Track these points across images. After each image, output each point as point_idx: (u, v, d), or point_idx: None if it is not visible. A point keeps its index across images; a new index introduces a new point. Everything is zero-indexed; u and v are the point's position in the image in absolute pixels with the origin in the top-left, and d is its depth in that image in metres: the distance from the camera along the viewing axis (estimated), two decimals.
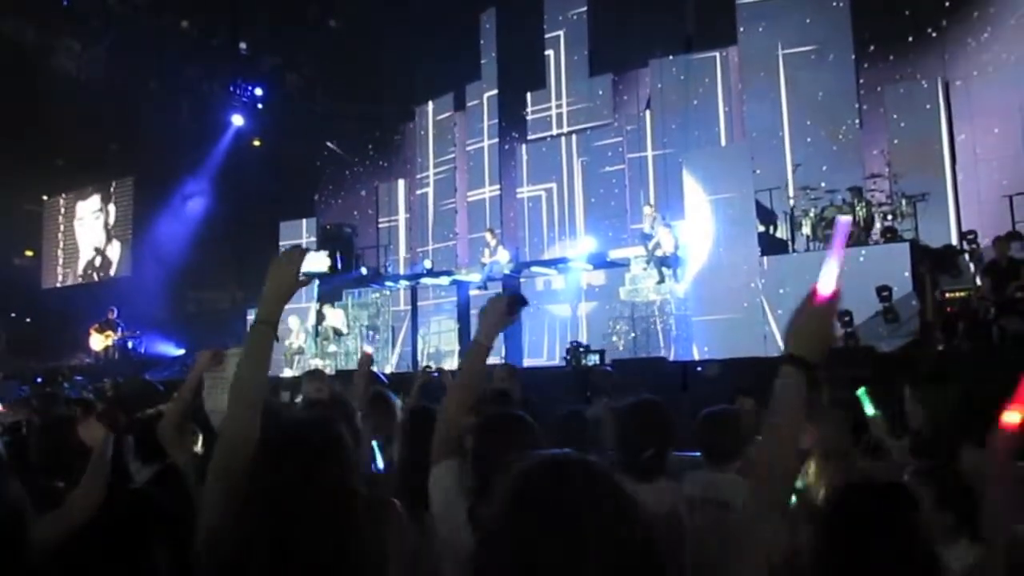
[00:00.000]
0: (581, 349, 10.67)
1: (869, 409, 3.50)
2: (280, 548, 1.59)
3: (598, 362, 9.34)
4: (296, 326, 15.08)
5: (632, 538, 1.16)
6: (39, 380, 13.97)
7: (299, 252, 2.05)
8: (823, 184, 11.65)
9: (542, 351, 14.65)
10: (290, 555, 1.59)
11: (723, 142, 14.09)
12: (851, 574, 1.86)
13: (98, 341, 18.01)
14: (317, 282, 16.37)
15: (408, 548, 2.44)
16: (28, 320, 22.36)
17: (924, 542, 1.91)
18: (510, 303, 2.35)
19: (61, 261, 24.64)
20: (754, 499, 1.45)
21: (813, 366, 1.45)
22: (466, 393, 2.29)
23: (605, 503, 1.17)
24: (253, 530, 1.60)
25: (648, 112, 15.20)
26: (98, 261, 23.66)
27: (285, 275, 2.01)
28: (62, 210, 24.73)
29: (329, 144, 20.11)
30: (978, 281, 9.31)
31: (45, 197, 24.80)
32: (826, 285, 1.54)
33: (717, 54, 14.42)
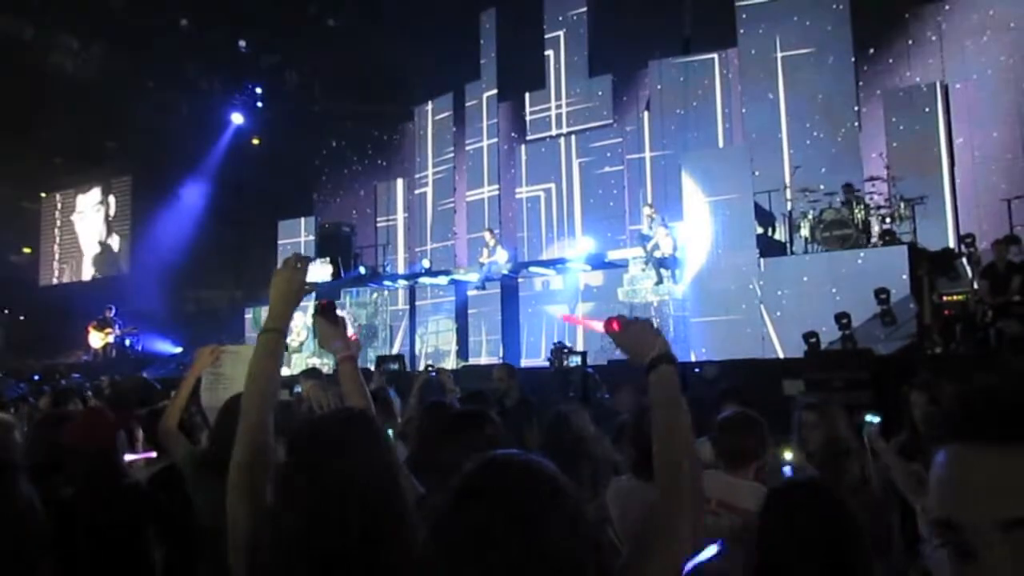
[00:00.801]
0: (564, 350, 10.73)
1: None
2: (325, 554, 1.53)
3: (580, 363, 9.40)
4: (299, 322, 15.05)
5: (571, 540, 1.16)
6: (36, 377, 13.95)
7: (304, 258, 2.06)
8: (822, 186, 11.65)
9: (540, 351, 14.63)
10: (337, 561, 1.53)
11: (722, 144, 14.10)
12: (778, 566, 2.02)
13: (97, 339, 17.99)
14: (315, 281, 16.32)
15: None
16: (24, 318, 22.34)
17: (838, 533, 2.02)
18: (324, 314, 2.39)
19: (58, 258, 24.62)
20: (661, 494, 1.55)
21: (670, 356, 1.73)
22: (361, 404, 2.28)
23: (546, 503, 1.17)
24: (293, 539, 1.53)
25: (647, 113, 15.21)
26: (95, 258, 23.63)
27: (292, 282, 2.02)
28: (60, 207, 24.69)
29: None
30: (975, 284, 9.32)
31: (43, 194, 24.77)
32: (598, 327, 1.90)
33: (716, 56, 14.44)
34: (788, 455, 3.57)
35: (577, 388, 6.34)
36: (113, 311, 18.20)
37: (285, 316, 2.02)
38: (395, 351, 15.94)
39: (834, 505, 2.08)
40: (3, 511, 1.74)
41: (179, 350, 18.42)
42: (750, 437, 3.17)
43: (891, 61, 13.75)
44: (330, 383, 2.86)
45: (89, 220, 23.90)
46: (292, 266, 2.03)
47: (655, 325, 1.84)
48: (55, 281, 24.39)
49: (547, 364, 11.19)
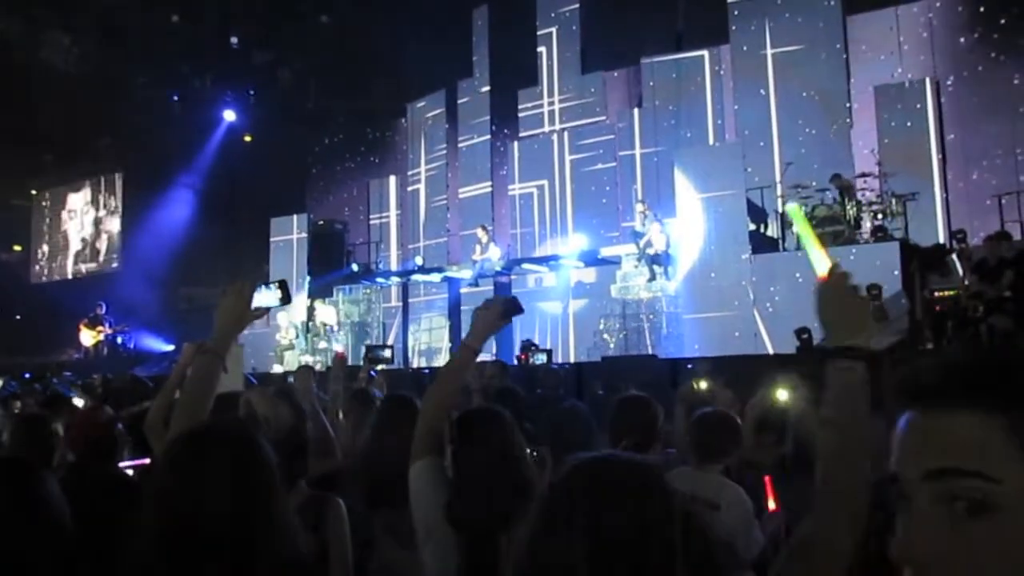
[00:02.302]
0: (532, 347, 10.82)
1: None
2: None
3: (545, 360, 9.55)
4: (284, 322, 15.06)
5: (689, 535, 1.18)
6: (28, 375, 13.89)
7: (247, 285, 2.11)
8: (814, 183, 11.68)
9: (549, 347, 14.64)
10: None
11: (714, 140, 14.12)
12: None
13: (88, 337, 17.92)
14: (308, 278, 16.35)
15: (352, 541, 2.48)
16: (18, 317, 22.24)
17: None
18: (505, 309, 2.34)
19: (48, 255, 24.52)
20: (820, 507, 1.34)
21: (870, 353, 1.36)
22: (445, 392, 2.29)
23: (656, 500, 1.19)
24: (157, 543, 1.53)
25: (639, 110, 15.21)
26: (87, 255, 23.56)
27: (236, 308, 2.07)
28: (50, 204, 24.59)
29: None
30: (966, 281, 9.34)
31: (33, 192, 24.66)
32: (820, 267, 1.51)
33: (708, 52, 14.44)
34: None
35: (543, 385, 6.42)
36: (104, 308, 18.13)
37: (226, 340, 2.08)
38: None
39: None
40: (35, 512, 1.74)
41: (171, 347, 18.37)
42: (720, 436, 3.21)
43: (883, 58, 13.77)
44: (280, 396, 2.84)
45: (80, 217, 23.81)
46: (236, 292, 2.06)
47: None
48: (45, 279, 24.29)
49: (515, 362, 11.25)
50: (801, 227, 1.56)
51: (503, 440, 2.23)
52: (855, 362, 1.35)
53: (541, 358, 9.83)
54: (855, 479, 1.32)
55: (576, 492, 1.21)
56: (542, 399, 5.72)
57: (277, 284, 2.19)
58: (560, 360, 13.46)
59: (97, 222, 23.38)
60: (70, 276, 23.70)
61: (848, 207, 11.08)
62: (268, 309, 2.19)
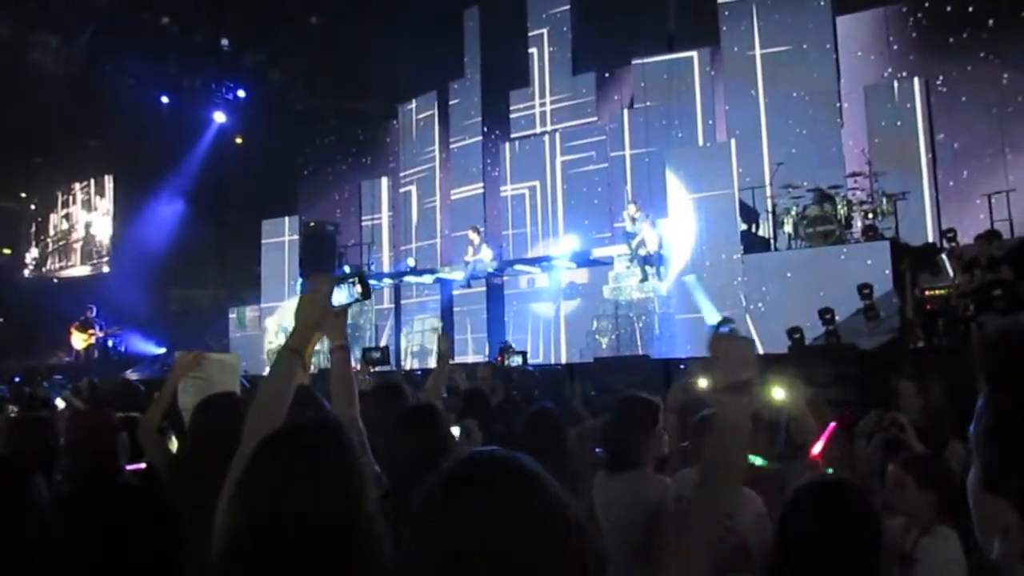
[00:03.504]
0: (508, 349, 10.86)
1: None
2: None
3: (521, 363, 9.61)
4: (273, 326, 15.04)
5: (557, 537, 1.14)
6: (17, 379, 13.81)
7: (326, 279, 2.08)
8: (804, 183, 11.71)
9: (525, 350, 14.62)
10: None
11: (705, 141, 14.14)
12: (804, 563, 2.02)
13: (80, 340, 17.85)
14: (299, 280, 16.33)
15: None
16: (3, 319, 22.11)
17: (869, 533, 2.04)
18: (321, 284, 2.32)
19: (39, 258, 24.41)
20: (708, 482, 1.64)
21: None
22: (347, 392, 2.27)
23: (530, 502, 1.16)
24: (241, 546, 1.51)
25: (631, 111, 15.24)
26: (76, 257, 23.46)
27: (313, 304, 2.04)
28: (40, 206, 24.48)
29: None
30: (957, 280, 9.39)
31: (23, 194, 24.54)
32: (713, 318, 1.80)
33: (699, 53, 14.47)
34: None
35: (518, 387, 6.45)
36: (94, 311, 18.06)
37: (306, 338, 2.03)
38: None
39: (863, 505, 2.09)
40: (21, 512, 1.74)
41: (163, 351, 18.31)
42: None
43: (872, 57, 13.83)
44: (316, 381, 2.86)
45: (70, 220, 23.71)
46: (315, 289, 2.06)
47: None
48: (35, 282, 24.17)
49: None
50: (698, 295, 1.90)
51: (435, 433, 2.27)
52: (739, 394, 1.58)
53: (517, 360, 9.85)
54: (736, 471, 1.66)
55: (441, 494, 1.18)
56: (516, 401, 5.74)
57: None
58: (552, 361, 13.49)
59: (87, 224, 23.28)
60: (60, 278, 23.59)
61: (839, 207, 11.12)
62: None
